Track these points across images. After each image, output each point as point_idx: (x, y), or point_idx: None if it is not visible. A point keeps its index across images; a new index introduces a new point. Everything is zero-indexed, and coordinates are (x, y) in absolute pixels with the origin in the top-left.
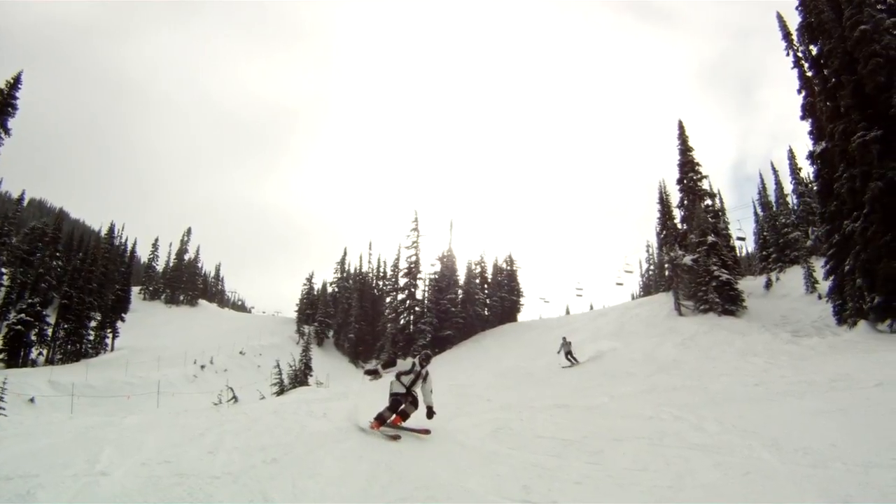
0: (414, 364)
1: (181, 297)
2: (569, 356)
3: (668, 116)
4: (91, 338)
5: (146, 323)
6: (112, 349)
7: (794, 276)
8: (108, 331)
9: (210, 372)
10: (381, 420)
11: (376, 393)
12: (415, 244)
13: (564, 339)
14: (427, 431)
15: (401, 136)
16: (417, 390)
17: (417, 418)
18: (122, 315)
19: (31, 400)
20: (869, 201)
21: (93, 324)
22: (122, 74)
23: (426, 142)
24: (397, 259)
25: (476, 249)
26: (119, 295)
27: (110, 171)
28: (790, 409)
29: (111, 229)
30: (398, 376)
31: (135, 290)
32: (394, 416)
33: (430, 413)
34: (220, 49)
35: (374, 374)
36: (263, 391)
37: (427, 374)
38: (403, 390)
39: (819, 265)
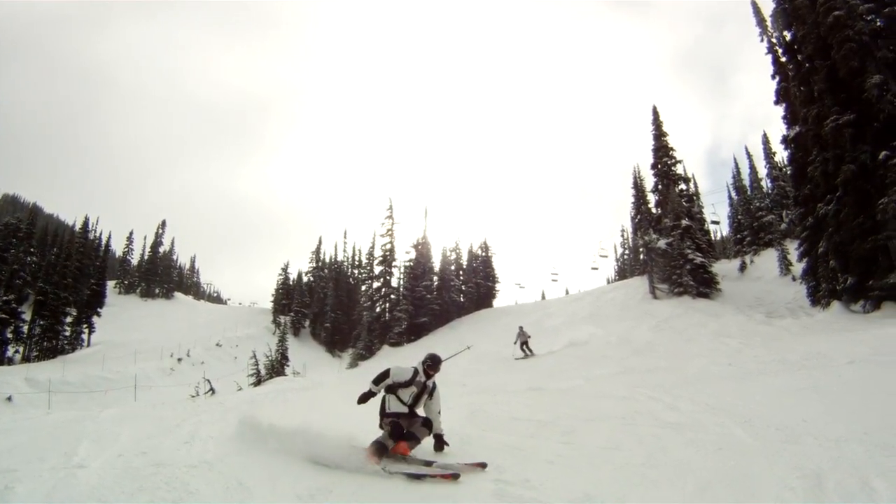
0: (416, 373)
1: (156, 291)
2: (524, 347)
3: (642, 102)
4: (67, 334)
5: (122, 317)
6: (88, 344)
7: (768, 259)
8: (84, 326)
9: (187, 364)
10: (379, 451)
11: (355, 384)
12: (390, 232)
13: (521, 329)
14: (483, 466)
15: (375, 123)
16: (421, 409)
17: (425, 450)
18: (98, 310)
19: (9, 398)
20: (842, 184)
21: (68, 319)
22: (96, 67)
23: (400, 129)
24: (372, 247)
25: (451, 236)
26: (94, 290)
27: (84, 164)
28: (763, 388)
29: (85, 223)
30: (394, 390)
31: (110, 284)
32: (396, 443)
33: (440, 444)
34: (195, 39)
35: (366, 397)
36: (241, 382)
37: (435, 387)
38: (405, 410)
39: (793, 248)
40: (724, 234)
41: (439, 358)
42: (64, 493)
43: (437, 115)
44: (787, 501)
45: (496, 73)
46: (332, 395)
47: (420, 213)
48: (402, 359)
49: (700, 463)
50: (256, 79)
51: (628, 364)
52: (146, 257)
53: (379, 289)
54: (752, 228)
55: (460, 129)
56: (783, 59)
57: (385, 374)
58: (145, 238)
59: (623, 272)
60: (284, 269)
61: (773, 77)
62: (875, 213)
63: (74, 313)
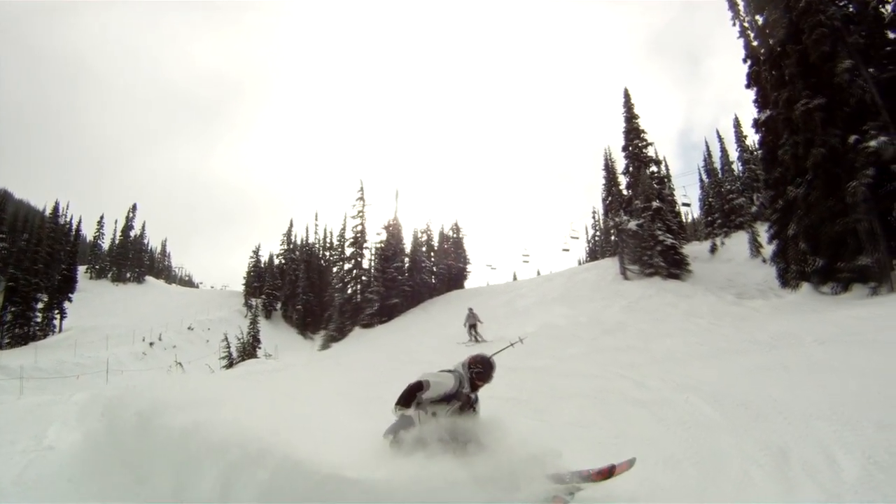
0: (460, 381)
1: (128, 275)
2: (472, 331)
3: (614, 84)
4: (39, 320)
5: (94, 302)
6: (60, 330)
7: (738, 241)
8: (56, 312)
9: (159, 349)
10: None
11: (323, 361)
12: (361, 214)
13: (471, 310)
14: (619, 467)
15: (346, 104)
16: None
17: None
18: (70, 295)
19: None
20: (812, 167)
21: (40, 305)
22: (65, 50)
23: (371, 110)
24: (343, 229)
25: (422, 217)
26: (65, 275)
27: (54, 149)
28: (732, 367)
29: (55, 208)
30: (428, 406)
31: (81, 269)
32: None
33: None
34: (166, 21)
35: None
36: (213, 365)
37: (478, 401)
38: (447, 437)
39: (763, 230)
40: (696, 216)
41: (492, 362)
42: (34, 473)
43: (408, 97)
44: (753, 476)
45: (468, 55)
46: (304, 376)
47: (391, 195)
48: (374, 340)
49: (668, 438)
50: (228, 60)
51: (599, 344)
52: (117, 241)
53: (350, 270)
54: (723, 211)
55: (432, 111)
56: (755, 44)
57: (417, 388)
58: (116, 222)
59: (594, 253)
60: (256, 252)
61: (745, 61)
62: (845, 196)
63: (46, 299)
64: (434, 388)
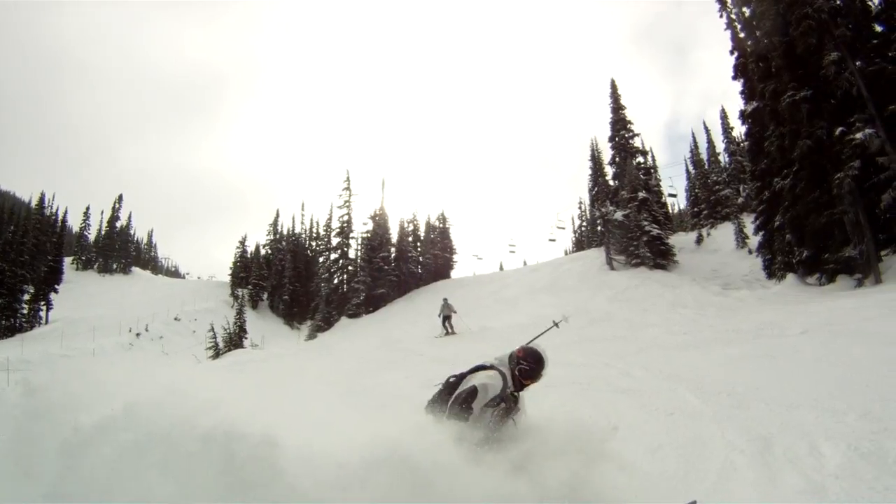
0: (504, 380)
1: (114, 266)
2: (445, 323)
3: (602, 76)
4: (25, 311)
5: (80, 293)
6: (47, 322)
7: (724, 232)
8: (42, 303)
9: (145, 339)
10: None
11: (310, 352)
12: (347, 203)
13: (445, 300)
14: None
15: (332, 95)
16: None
17: None
18: (56, 287)
19: None
20: (798, 159)
21: (26, 297)
22: (52, 41)
23: (358, 100)
24: (329, 219)
25: (409, 207)
26: (52, 266)
27: (40, 141)
28: (716, 356)
29: (41, 200)
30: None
31: (67, 260)
32: None
33: None
34: (153, 12)
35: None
36: (199, 356)
37: (521, 401)
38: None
39: (749, 221)
40: (682, 207)
41: (543, 358)
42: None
43: (396, 87)
44: (736, 463)
45: (456, 44)
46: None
47: (377, 185)
48: (360, 330)
49: (652, 426)
50: (215, 50)
51: (585, 333)
52: (103, 232)
53: (336, 260)
54: (710, 202)
55: (419, 101)
56: (742, 35)
57: (472, 397)
58: (102, 213)
59: (580, 244)
60: (242, 242)
61: (732, 53)
62: (831, 188)
63: (32, 290)
64: (489, 389)
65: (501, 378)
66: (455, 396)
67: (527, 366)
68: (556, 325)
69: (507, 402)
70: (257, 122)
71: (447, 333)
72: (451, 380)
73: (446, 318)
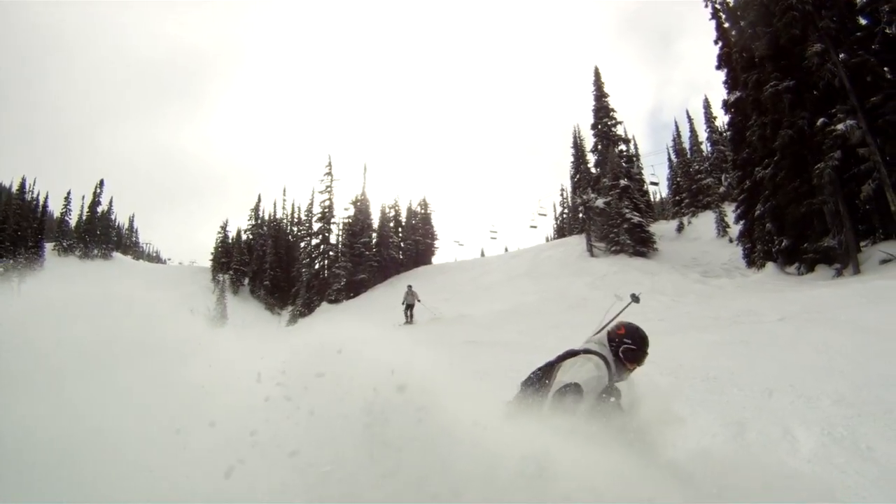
0: (608, 365)
1: (95, 252)
2: (408, 311)
3: (585, 63)
4: None
5: (61, 279)
6: None
7: (705, 221)
8: None
9: None
10: None
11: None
12: (328, 188)
13: (410, 288)
14: None
15: (314, 79)
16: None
17: None
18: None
19: None
20: (779, 149)
21: None
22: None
23: (340, 85)
24: (311, 204)
25: (390, 193)
26: (32, 252)
27: (20, 124)
28: (693, 342)
29: (22, 185)
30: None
31: (48, 246)
32: None
33: None
34: None
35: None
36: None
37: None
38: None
39: (730, 210)
40: (664, 195)
41: (646, 337)
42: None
43: (377, 72)
44: (709, 448)
45: (439, 31)
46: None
47: (359, 170)
48: (341, 315)
49: None
50: (197, 34)
51: (562, 318)
52: (84, 218)
53: (318, 245)
54: (691, 191)
55: (402, 86)
56: (726, 25)
57: (576, 399)
58: (83, 198)
59: (562, 230)
60: (223, 227)
61: (716, 42)
62: (811, 178)
63: None
64: (596, 381)
65: (605, 366)
66: (553, 401)
67: (632, 345)
68: (635, 299)
69: (615, 396)
70: (240, 105)
71: (406, 322)
72: (538, 373)
73: (409, 307)
